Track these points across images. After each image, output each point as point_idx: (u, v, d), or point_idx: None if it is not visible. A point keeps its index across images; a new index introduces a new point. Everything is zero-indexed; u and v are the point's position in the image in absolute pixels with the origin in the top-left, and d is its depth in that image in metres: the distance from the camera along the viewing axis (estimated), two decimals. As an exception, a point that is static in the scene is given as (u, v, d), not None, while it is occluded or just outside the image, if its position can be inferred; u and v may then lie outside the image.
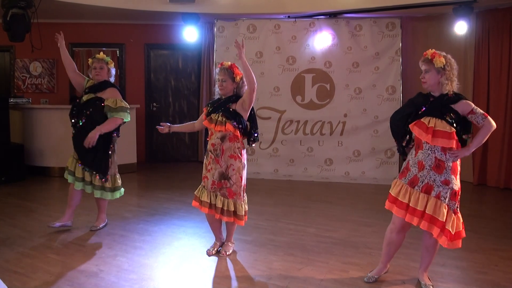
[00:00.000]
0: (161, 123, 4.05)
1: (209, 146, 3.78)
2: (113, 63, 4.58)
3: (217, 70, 3.81)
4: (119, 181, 4.60)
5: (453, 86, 3.10)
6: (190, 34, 7.59)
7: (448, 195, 3.08)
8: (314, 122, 7.68)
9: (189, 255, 3.95)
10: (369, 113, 7.51)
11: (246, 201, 3.94)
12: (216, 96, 3.93)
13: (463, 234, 3.17)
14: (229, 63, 3.79)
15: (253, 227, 4.68)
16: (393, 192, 3.21)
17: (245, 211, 3.89)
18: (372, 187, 6.93)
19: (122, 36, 8.55)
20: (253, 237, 4.41)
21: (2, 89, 8.54)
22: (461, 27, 6.64)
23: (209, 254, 3.93)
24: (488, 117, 3.06)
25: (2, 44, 7.93)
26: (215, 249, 3.98)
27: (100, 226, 4.61)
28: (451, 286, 3.38)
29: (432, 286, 3.27)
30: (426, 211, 3.07)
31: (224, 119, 3.69)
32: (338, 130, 7.64)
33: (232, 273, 3.60)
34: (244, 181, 3.85)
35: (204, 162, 3.85)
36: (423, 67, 3.14)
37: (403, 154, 3.36)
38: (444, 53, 3.13)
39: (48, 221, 4.87)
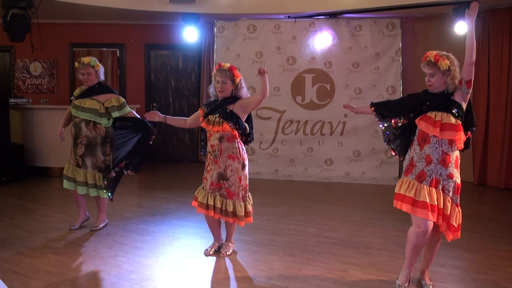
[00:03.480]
0: (153, 112, 3.99)
1: (208, 148, 3.78)
2: (99, 65, 4.48)
3: (215, 71, 3.76)
4: None
5: (456, 82, 3.10)
6: (190, 34, 7.59)
7: (451, 189, 3.09)
8: (314, 122, 7.68)
9: (189, 255, 3.95)
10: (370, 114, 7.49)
11: (251, 202, 3.91)
12: (212, 98, 3.89)
13: (460, 226, 3.19)
14: (228, 64, 3.75)
15: (253, 227, 4.68)
16: (402, 190, 3.13)
17: (248, 212, 3.87)
18: (372, 187, 6.93)
19: (122, 36, 8.54)
20: (253, 237, 4.41)
21: (2, 89, 8.53)
22: (461, 27, 6.63)
23: (206, 254, 3.92)
24: None
25: (2, 44, 7.92)
26: (213, 249, 3.97)
27: (100, 226, 4.62)
28: (451, 286, 3.38)
29: (432, 286, 3.27)
30: (438, 206, 3.07)
31: (221, 119, 3.68)
32: (338, 130, 7.64)
33: (232, 273, 3.60)
34: (245, 181, 3.84)
35: (205, 163, 3.86)
36: (427, 71, 3.11)
37: (402, 154, 3.36)
38: (445, 53, 3.11)
39: (48, 221, 4.89)
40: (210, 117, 3.73)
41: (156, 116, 3.95)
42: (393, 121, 3.34)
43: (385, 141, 3.47)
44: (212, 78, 3.84)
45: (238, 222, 3.81)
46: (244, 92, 3.80)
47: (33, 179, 7.04)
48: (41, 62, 8.40)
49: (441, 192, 3.08)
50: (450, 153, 3.06)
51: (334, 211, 5.47)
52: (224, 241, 4.07)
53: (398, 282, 3.26)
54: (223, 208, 3.76)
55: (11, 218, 4.99)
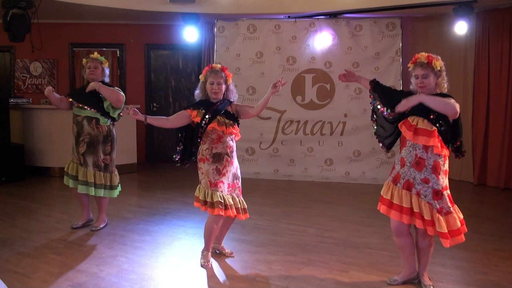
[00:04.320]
0: (131, 108, 3.63)
1: (223, 150, 3.61)
2: (108, 63, 4.58)
3: (208, 73, 3.68)
4: (118, 178, 4.66)
5: (445, 85, 3.10)
6: (190, 34, 7.59)
7: (428, 194, 3.07)
8: (314, 122, 7.68)
9: (189, 255, 3.95)
10: (369, 113, 7.32)
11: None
12: (198, 98, 3.77)
13: (463, 229, 3.12)
14: (219, 65, 3.71)
15: (253, 227, 4.68)
16: (382, 192, 3.25)
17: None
18: (372, 187, 6.93)
19: (122, 36, 8.55)
20: (253, 237, 4.41)
21: (2, 89, 8.54)
22: (461, 27, 6.64)
23: (209, 266, 3.70)
24: (452, 100, 3.00)
25: (2, 44, 7.94)
26: (210, 259, 3.77)
27: (101, 226, 4.62)
28: (451, 286, 3.38)
29: (432, 286, 3.27)
30: (414, 209, 3.08)
31: (231, 121, 3.66)
32: (338, 130, 7.64)
33: (232, 273, 3.59)
34: None
35: (216, 167, 3.59)
36: (420, 72, 3.07)
37: (388, 147, 3.41)
38: (434, 55, 3.10)
39: (48, 221, 4.89)
40: (219, 118, 3.62)
41: (141, 117, 3.64)
42: (379, 106, 3.33)
43: (371, 119, 3.52)
44: (201, 80, 3.73)
45: (246, 216, 3.82)
46: (234, 93, 3.78)
47: (33, 179, 7.04)
48: (41, 62, 8.40)
49: (416, 196, 3.09)
50: (425, 158, 3.05)
51: (334, 211, 5.47)
52: (219, 244, 3.97)
53: (394, 277, 3.34)
54: (241, 207, 3.77)
55: (11, 218, 4.99)
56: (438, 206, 3.06)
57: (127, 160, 7.66)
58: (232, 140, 3.70)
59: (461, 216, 3.15)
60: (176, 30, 8.12)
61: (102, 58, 4.51)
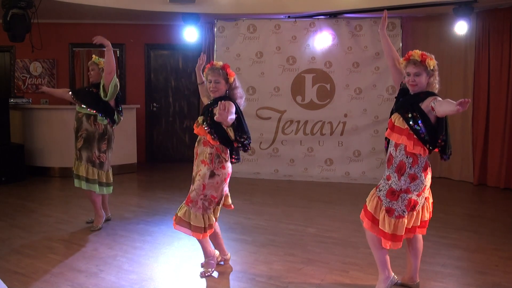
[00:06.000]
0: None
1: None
2: (103, 61, 4.71)
3: (207, 70, 3.48)
4: (111, 177, 4.75)
5: (437, 86, 3.06)
6: (190, 34, 7.60)
7: (384, 190, 3.07)
8: (314, 122, 7.68)
9: (190, 255, 3.95)
10: (369, 113, 7.51)
11: (212, 219, 3.46)
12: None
13: (395, 237, 3.02)
14: (221, 63, 3.51)
15: (253, 227, 4.68)
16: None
17: (208, 225, 3.42)
18: (372, 187, 6.85)
19: (122, 36, 8.55)
20: (253, 237, 4.41)
21: (2, 89, 8.54)
22: (461, 27, 6.64)
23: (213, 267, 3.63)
24: (439, 98, 2.88)
25: (2, 44, 7.93)
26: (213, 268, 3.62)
27: (99, 225, 4.62)
28: (451, 286, 3.38)
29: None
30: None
31: (204, 121, 3.40)
32: (339, 130, 7.64)
33: (232, 273, 3.60)
34: (211, 192, 3.42)
35: None
36: (412, 70, 3.00)
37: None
38: (428, 53, 3.04)
39: (48, 221, 4.89)
40: (199, 118, 3.51)
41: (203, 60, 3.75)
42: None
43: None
44: (204, 78, 3.63)
45: (194, 233, 3.38)
46: (239, 92, 3.54)
47: (33, 179, 7.03)
48: (41, 62, 8.40)
49: (375, 188, 3.15)
50: (394, 156, 3.04)
51: (334, 211, 5.47)
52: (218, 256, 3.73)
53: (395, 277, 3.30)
54: (177, 212, 3.42)
55: (11, 218, 4.99)
56: (387, 205, 3.02)
57: (127, 160, 7.66)
58: (198, 142, 3.49)
59: (417, 223, 3.06)
60: (176, 30, 8.12)
61: (97, 60, 4.77)
